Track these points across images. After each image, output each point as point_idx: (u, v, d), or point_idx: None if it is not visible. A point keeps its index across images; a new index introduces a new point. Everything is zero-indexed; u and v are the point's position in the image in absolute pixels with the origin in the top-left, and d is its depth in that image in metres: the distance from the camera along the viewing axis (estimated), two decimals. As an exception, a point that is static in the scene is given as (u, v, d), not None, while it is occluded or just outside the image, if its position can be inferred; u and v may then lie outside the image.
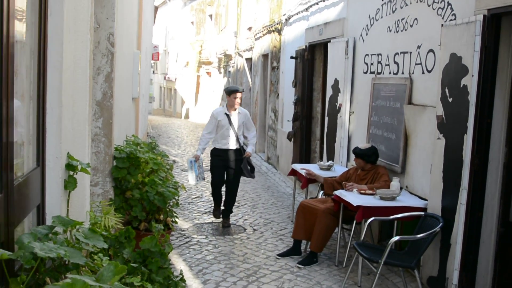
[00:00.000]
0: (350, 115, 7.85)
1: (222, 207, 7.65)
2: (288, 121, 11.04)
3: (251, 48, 17.80)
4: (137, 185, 5.34)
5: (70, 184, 2.88)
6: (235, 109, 7.48)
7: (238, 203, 8.43)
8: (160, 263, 3.47)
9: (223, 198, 7.69)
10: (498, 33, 4.61)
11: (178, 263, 5.85)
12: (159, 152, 7.12)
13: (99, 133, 5.05)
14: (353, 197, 5.60)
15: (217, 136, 7.46)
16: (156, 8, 20.12)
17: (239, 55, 20.59)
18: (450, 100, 4.91)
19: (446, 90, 4.98)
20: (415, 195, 5.80)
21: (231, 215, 7.67)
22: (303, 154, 10.09)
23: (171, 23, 41.81)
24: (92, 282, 1.54)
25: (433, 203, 5.21)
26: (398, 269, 5.49)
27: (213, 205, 7.79)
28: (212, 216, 7.78)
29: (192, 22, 35.06)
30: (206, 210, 8.33)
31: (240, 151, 7.46)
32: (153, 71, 45.49)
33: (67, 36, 2.83)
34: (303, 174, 7.02)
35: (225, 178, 7.58)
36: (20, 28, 2.40)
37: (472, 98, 4.58)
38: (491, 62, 4.58)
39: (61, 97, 2.77)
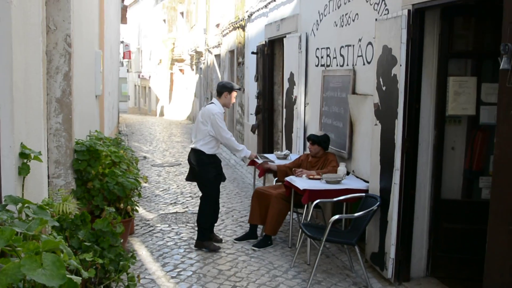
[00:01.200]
0: (305, 106, 8.27)
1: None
2: (251, 114, 11.44)
3: (219, 44, 18.16)
4: (98, 176, 5.69)
5: (23, 170, 3.24)
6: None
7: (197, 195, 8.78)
8: (112, 241, 3.84)
9: None
10: (422, 26, 5.05)
11: (141, 249, 6.22)
12: (123, 146, 7.46)
13: (59, 128, 5.38)
14: (301, 181, 6.02)
15: (217, 141, 6.38)
16: (125, 7, 20.31)
17: (209, 51, 20.94)
18: (384, 88, 5.34)
19: (381, 79, 5.42)
20: (361, 178, 6.24)
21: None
22: (266, 145, 10.52)
23: (144, 21, 41.93)
24: (20, 230, 1.90)
25: (373, 185, 5.65)
26: (345, 248, 5.91)
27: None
28: (211, 250, 6.29)
29: (164, 20, 35.28)
30: (171, 202, 8.69)
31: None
32: (127, 70, 45.63)
33: (16, 39, 3.18)
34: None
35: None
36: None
37: (401, 86, 5.01)
38: (417, 52, 5.02)
39: (12, 95, 3.12)
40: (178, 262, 5.82)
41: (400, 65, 5.00)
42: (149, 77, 41.01)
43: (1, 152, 3.09)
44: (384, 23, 5.35)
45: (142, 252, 6.12)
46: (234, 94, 6.55)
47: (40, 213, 2.68)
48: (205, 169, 6.33)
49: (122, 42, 26.27)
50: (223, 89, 6.48)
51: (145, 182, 9.13)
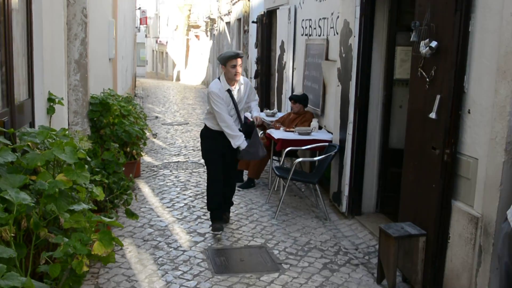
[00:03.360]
0: (293, 71, 9.39)
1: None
2: (251, 78, 12.59)
3: (229, 12, 19.21)
4: (109, 125, 6.91)
5: (50, 110, 4.47)
6: (236, 82, 5.76)
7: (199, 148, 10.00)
8: (115, 168, 5.08)
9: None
10: (374, 4, 6.12)
11: (144, 188, 7.48)
12: (131, 103, 8.67)
13: (77, 85, 6.58)
14: (278, 133, 7.20)
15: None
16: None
17: (221, 18, 21.97)
18: (344, 56, 6.45)
19: (342, 48, 6.52)
20: (329, 132, 7.39)
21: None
22: (263, 106, 11.65)
23: (161, -13, 42.83)
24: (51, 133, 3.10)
25: (335, 136, 6.80)
26: (311, 189, 7.08)
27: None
28: (212, 230, 5.82)
29: (181, -14, 36.19)
30: (175, 153, 9.94)
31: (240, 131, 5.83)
32: (146, 35, 46.64)
33: (45, 14, 4.35)
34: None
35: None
36: (15, 11, 3.91)
37: (355, 54, 6.11)
38: (369, 26, 6.10)
39: (42, 55, 4.31)
40: (174, 197, 7.08)
41: (354, 36, 6.10)
42: (166, 42, 42.10)
43: (35, 97, 4.30)
44: (345, 0, 6.43)
45: (145, 189, 7.38)
46: (231, 63, 5.61)
47: (63, 137, 3.89)
48: (203, 142, 6.03)
49: (139, 8, 27.30)
50: (220, 63, 5.84)
51: (154, 138, 10.42)
